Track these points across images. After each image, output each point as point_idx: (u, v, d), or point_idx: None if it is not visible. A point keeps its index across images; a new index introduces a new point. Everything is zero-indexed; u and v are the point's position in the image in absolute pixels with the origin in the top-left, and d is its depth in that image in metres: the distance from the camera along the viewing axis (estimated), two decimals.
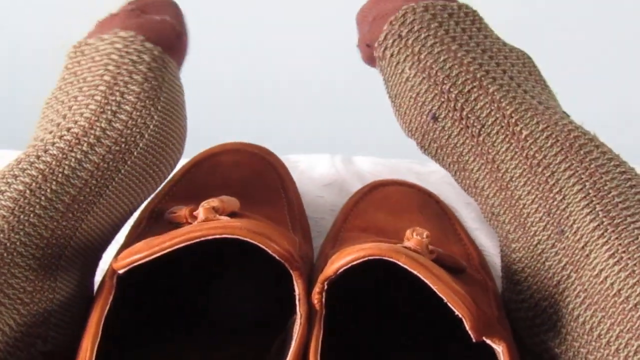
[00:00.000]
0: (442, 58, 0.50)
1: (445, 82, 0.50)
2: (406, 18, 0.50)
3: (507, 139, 0.49)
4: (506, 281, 0.51)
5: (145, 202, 0.57)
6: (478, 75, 0.49)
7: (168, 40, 0.53)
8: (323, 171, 0.71)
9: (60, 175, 0.46)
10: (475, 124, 0.49)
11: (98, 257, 0.51)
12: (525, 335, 0.49)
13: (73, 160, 0.47)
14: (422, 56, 0.50)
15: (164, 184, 0.59)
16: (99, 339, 0.41)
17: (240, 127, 0.68)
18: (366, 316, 0.52)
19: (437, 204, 0.59)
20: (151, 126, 0.49)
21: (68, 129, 0.48)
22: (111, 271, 0.45)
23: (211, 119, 0.77)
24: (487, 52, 0.51)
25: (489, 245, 0.63)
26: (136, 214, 0.57)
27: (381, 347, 0.52)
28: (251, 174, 0.59)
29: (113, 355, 0.46)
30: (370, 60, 0.53)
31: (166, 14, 0.54)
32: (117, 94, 0.49)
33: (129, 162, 0.49)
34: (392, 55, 0.51)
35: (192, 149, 0.62)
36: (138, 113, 0.49)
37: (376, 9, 0.52)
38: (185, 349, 0.50)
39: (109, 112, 0.49)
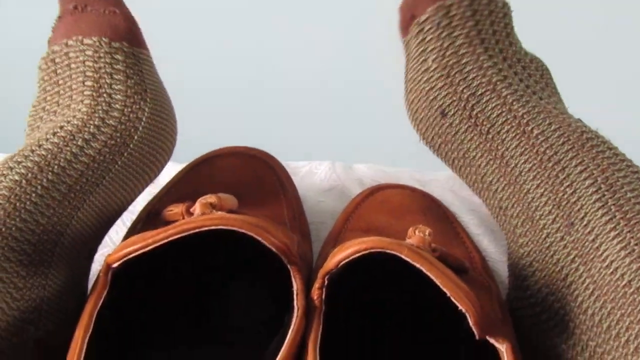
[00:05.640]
0: (464, 60, 0.50)
1: (461, 84, 0.50)
2: (451, 9, 0.51)
3: (517, 137, 0.49)
4: (513, 278, 0.51)
5: (143, 205, 0.56)
6: (494, 80, 0.50)
7: (129, 32, 0.53)
8: (324, 177, 0.70)
9: (56, 167, 0.46)
10: (484, 123, 0.50)
11: (91, 253, 0.51)
12: (531, 333, 0.48)
13: (69, 153, 0.47)
14: (448, 53, 0.50)
15: (162, 187, 0.58)
16: (90, 330, 0.40)
17: (240, 135, 0.67)
18: (365, 317, 0.51)
19: (439, 207, 0.58)
20: (143, 119, 0.50)
21: (61, 127, 0.49)
22: (106, 266, 0.43)
23: (212, 127, 0.76)
24: (507, 61, 0.51)
25: (492, 251, 0.62)
26: (134, 217, 0.56)
27: (380, 345, 0.51)
28: (250, 176, 0.58)
29: (117, 356, 0.46)
30: (404, 28, 0.54)
31: (110, 6, 0.53)
32: (105, 95, 0.50)
33: (125, 154, 0.49)
34: (422, 40, 0.51)
35: (192, 155, 0.61)
36: (129, 109, 0.50)
37: None
38: (188, 346, 0.49)
39: (101, 112, 0.49)
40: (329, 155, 0.74)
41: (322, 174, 0.70)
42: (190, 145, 0.63)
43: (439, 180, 0.70)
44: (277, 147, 0.64)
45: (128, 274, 0.45)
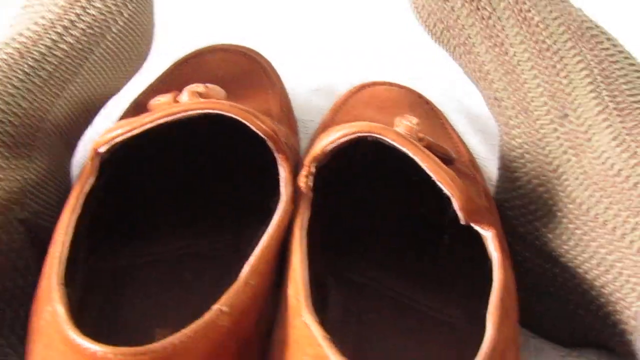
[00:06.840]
0: None
1: None
2: None
3: (517, 24, 0.49)
4: (503, 171, 0.51)
5: (131, 99, 0.56)
6: None
7: None
8: (312, 76, 0.69)
9: (36, 53, 0.47)
10: (486, 7, 0.50)
11: (73, 144, 0.52)
12: (517, 224, 0.48)
13: (48, 41, 0.48)
14: None
15: (151, 82, 0.58)
16: (78, 213, 0.40)
17: (228, 35, 0.67)
18: (353, 208, 0.52)
19: (427, 103, 0.58)
20: (125, 14, 0.51)
21: (42, 17, 0.49)
22: (93, 152, 0.43)
23: (204, 27, 0.76)
24: None
25: (480, 150, 0.62)
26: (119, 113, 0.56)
27: (368, 234, 0.51)
28: (238, 70, 0.57)
29: (109, 250, 0.47)
30: None
31: None
32: None
33: (102, 45, 0.50)
34: None
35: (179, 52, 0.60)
36: (113, 2, 0.51)
37: None
38: (175, 236, 0.50)
39: (83, 0, 0.50)
40: (319, 57, 0.74)
41: (311, 73, 0.70)
42: (175, 42, 0.63)
43: (428, 81, 0.69)
44: (265, 47, 0.63)
45: (120, 169, 0.46)
